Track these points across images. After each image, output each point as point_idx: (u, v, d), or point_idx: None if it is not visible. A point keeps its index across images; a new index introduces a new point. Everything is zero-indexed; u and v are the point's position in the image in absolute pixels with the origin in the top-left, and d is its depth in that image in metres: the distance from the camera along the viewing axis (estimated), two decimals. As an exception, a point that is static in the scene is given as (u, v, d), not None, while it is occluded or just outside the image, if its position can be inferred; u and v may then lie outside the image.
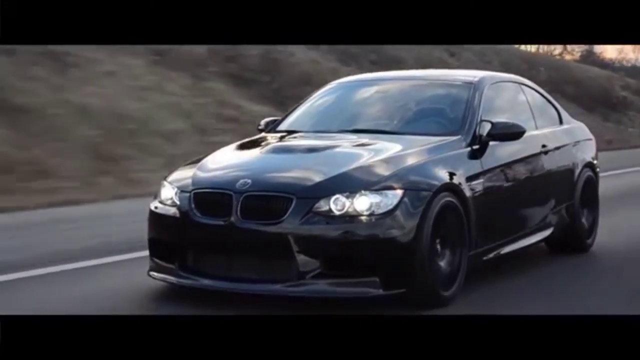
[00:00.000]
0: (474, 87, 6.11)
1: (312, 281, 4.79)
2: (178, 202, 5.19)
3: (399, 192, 4.91)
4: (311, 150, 5.51)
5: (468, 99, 5.99)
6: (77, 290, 5.55)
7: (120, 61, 14.97)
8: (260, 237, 4.88)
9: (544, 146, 6.47)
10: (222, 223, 4.94)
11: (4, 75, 12.84)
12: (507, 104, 6.54)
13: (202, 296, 5.07)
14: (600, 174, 7.43)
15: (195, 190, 5.14)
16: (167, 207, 5.27)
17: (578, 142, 7.12)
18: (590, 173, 7.10)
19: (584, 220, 6.94)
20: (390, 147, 5.43)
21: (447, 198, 5.13)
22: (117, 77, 14.47)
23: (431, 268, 4.97)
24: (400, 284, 4.88)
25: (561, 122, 7.15)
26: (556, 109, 7.19)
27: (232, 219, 4.91)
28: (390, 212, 4.84)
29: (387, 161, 5.20)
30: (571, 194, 6.77)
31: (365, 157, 5.23)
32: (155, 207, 5.37)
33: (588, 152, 7.24)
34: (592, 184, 7.13)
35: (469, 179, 5.43)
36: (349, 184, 4.93)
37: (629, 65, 43.23)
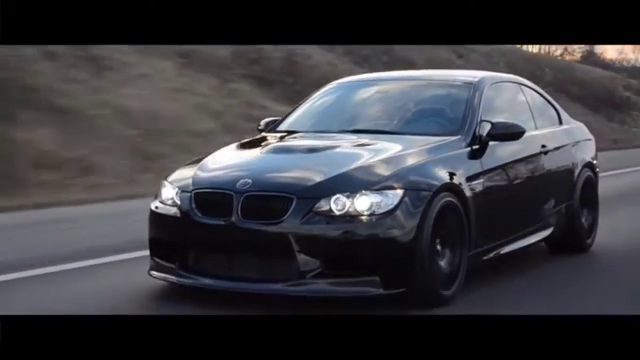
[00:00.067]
0: (473, 87, 6.11)
1: (312, 280, 4.80)
2: (179, 202, 5.20)
3: (400, 192, 4.92)
4: (311, 150, 5.52)
5: (468, 99, 5.99)
6: (76, 289, 5.55)
7: (151, 64, 15.72)
8: (260, 236, 4.88)
9: (543, 146, 6.47)
10: (222, 223, 4.95)
11: (47, 78, 13.50)
12: (506, 104, 6.54)
13: (203, 296, 5.08)
14: (606, 173, 7.45)
15: (196, 190, 5.14)
16: (167, 207, 5.27)
17: (577, 142, 7.13)
18: (589, 173, 7.11)
19: (583, 220, 6.94)
20: (390, 147, 5.43)
21: (447, 198, 5.13)
22: (149, 79, 15.23)
23: (431, 268, 4.97)
24: (400, 284, 4.88)
25: (561, 122, 7.16)
26: (556, 109, 7.19)
27: (233, 218, 4.91)
28: (390, 212, 4.84)
29: (387, 161, 5.20)
30: (571, 194, 6.77)
31: (366, 157, 5.24)
32: (156, 207, 5.38)
33: (587, 152, 7.24)
34: (591, 184, 7.14)
35: (469, 179, 5.43)
36: (349, 183, 4.94)
37: (629, 65, 43.25)
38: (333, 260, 4.82)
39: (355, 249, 4.84)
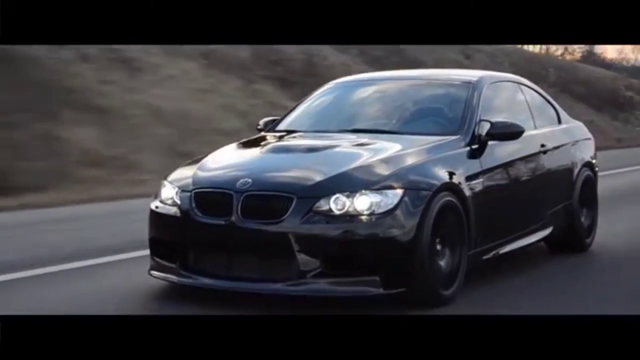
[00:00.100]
0: (472, 86, 6.11)
1: (312, 280, 4.80)
2: (179, 202, 5.20)
3: (399, 191, 4.92)
4: (311, 149, 5.52)
5: (467, 98, 5.99)
6: (75, 289, 5.56)
7: (178, 65, 16.47)
8: (260, 236, 4.88)
9: (542, 146, 6.48)
10: (222, 222, 4.95)
11: (85, 79, 14.28)
12: (506, 103, 6.54)
13: (203, 295, 5.08)
14: (612, 171, 7.45)
15: (196, 190, 5.14)
16: (167, 207, 5.27)
17: (577, 141, 7.13)
18: (589, 172, 7.11)
19: (583, 219, 6.95)
20: (389, 146, 5.43)
21: (446, 197, 5.14)
22: (177, 80, 16.00)
23: (431, 267, 4.98)
24: (400, 283, 4.88)
25: (560, 121, 7.16)
26: (555, 108, 7.20)
27: (233, 218, 4.91)
28: (390, 212, 4.85)
29: (386, 161, 5.20)
30: (570, 194, 6.78)
31: (365, 157, 5.24)
32: (156, 207, 5.38)
33: (587, 151, 7.25)
34: (591, 183, 7.14)
35: (469, 178, 5.43)
36: (349, 183, 4.94)
37: (629, 65, 43.24)
38: (333, 260, 4.82)
39: (355, 249, 4.85)
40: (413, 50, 22.47)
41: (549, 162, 6.53)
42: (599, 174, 7.51)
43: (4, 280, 5.73)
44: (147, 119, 14.04)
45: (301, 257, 4.80)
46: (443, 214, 5.08)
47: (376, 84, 6.70)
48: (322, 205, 4.85)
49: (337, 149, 5.43)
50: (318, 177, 4.98)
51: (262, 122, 6.61)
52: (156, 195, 5.48)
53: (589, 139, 7.45)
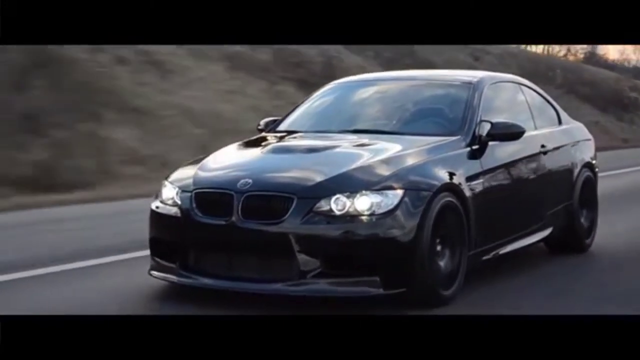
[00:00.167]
0: (473, 87, 6.12)
1: (312, 280, 4.80)
2: (179, 202, 5.20)
3: (400, 192, 4.93)
4: (311, 150, 5.52)
5: (467, 99, 6.00)
6: (74, 289, 5.56)
7: (205, 67, 17.11)
8: (261, 236, 4.89)
9: (543, 146, 6.48)
10: (223, 223, 4.95)
11: (122, 81, 14.97)
12: (506, 104, 6.55)
13: (203, 295, 5.08)
14: (617, 171, 7.45)
15: (197, 190, 5.15)
16: (168, 207, 5.28)
17: (577, 142, 7.14)
18: (589, 173, 7.11)
19: (583, 220, 6.95)
20: (390, 147, 5.44)
21: (447, 198, 5.14)
22: (206, 82, 16.66)
23: (431, 268, 4.98)
24: (400, 284, 4.89)
25: (560, 122, 7.16)
26: (555, 109, 7.20)
27: (233, 218, 4.92)
28: (390, 212, 4.85)
29: (387, 161, 5.21)
30: (570, 194, 6.78)
31: (366, 157, 5.24)
32: (157, 207, 5.38)
33: (587, 152, 7.25)
34: (590, 184, 7.14)
35: (469, 179, 5.44)
36: (349, 183, 4.94)
37: (631, 66, 43.24)
38: (333, 260, 4.82)
39: (355, 249, 4.85)
40: (424, 52, 22.83)
41: (549, 162, 6.53)
42: (600, 174, 7.52)
43: (36, 275, 5.83)
44: (179, 119, 14.67)
45: (301, 257, 4.80)
46: (443, 214, 5.08)
47: (377, 85, 6.70)
48: (323, 205, 4.85)
49: (337, 150, 5.43)
50: (318, 178, 4.98)
51: (262, 122, 6.61)
52: (157, 195, 5.48)
53: (589, 139, 7.45)
